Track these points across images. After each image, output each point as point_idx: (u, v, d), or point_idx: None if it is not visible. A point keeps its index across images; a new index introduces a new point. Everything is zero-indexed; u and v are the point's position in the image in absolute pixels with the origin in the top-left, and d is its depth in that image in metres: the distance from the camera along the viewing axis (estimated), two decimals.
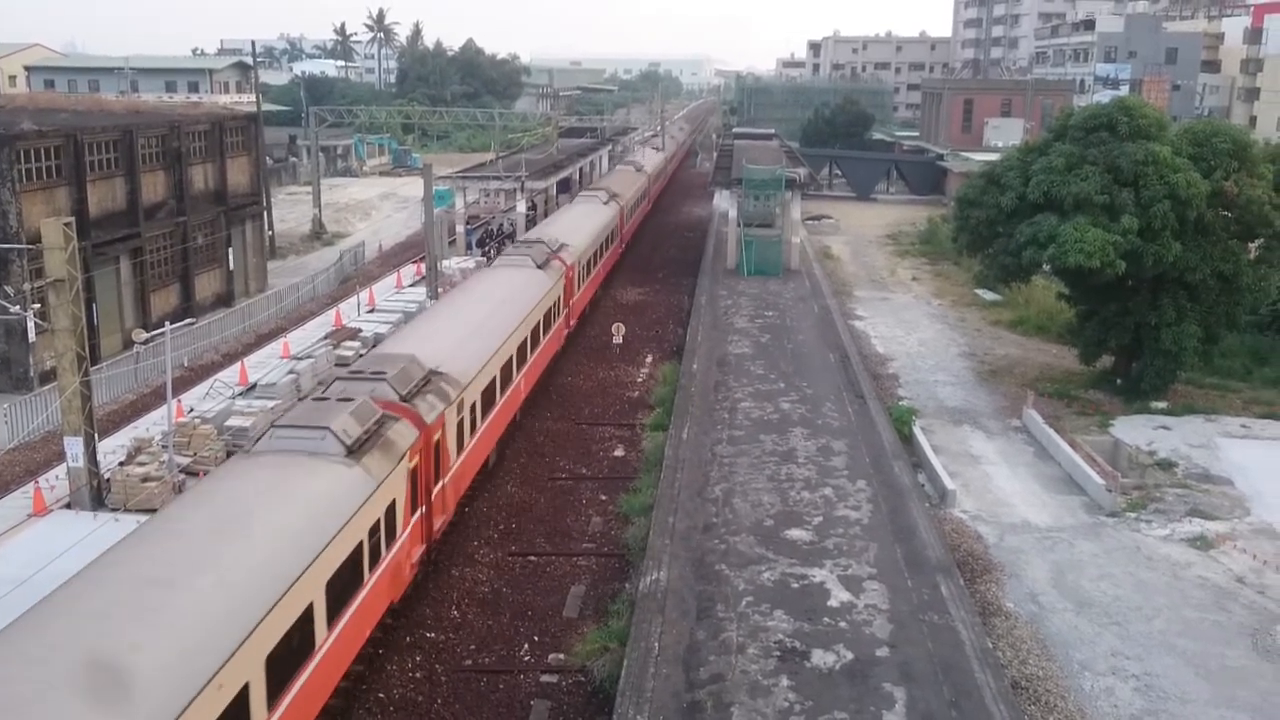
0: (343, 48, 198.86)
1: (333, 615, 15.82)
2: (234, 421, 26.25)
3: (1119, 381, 35.11)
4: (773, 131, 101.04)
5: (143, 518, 18.46)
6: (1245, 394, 35.38)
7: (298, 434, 17.79)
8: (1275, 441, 30.88)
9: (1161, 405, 33.34)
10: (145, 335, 28.12)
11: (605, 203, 52.98)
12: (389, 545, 18.38)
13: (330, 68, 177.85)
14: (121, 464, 24.05)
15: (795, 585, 20.37)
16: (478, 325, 27.60)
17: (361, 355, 28.69)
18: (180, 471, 23.46)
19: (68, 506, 22.63)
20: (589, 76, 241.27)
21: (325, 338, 35.00)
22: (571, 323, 39.21)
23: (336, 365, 29.31)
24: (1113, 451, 29.79)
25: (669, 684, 17.10)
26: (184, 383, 32.80)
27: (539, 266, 34.93)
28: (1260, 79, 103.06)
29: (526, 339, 30.32)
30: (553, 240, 39.31)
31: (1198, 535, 24.43)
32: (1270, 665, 19.12)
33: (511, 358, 28.37)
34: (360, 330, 35.91)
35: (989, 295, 48.98)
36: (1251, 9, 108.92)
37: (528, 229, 53.04)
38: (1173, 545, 23.96)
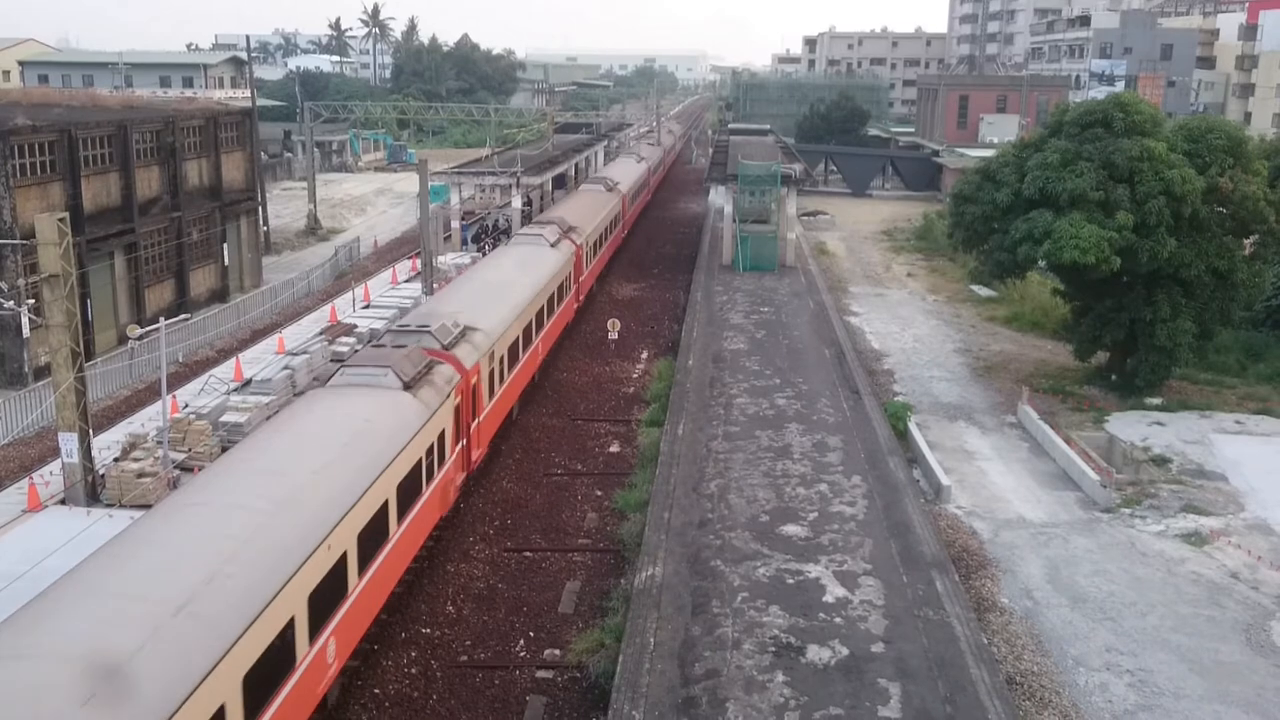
0: (338, 43, 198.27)
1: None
2: (229, 417, 26.23)
3: (1114, 377, 35.15)
4: (768, 127, 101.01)
5: (137, 513, 18.42)
6: (1240, 390, 35.45)
7: None
8: (1269, 437, 30.95)
9: (1156, 401, 33.40)
10: (140, 331, 28.10)
11: (554, 244, 38.60)
12: None
13: (325, 63, 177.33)
14: (116, 460, 24.05)
15: (790, 581, 20.37)
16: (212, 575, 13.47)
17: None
18: (175, 467, 23.44)
19: (62, 502, 22.63)
20: (584, 72, 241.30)
21: (320, 333, 34.97)
22: (474, 460, 25.04)
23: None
24: (1107, 447, 29.84)
25: (664, 679, 17.10)
26: (179, 378, 32.78)
27: (408, 386, 20.98)
28: (1255, 75, 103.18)
29: (333, 569, 16.11)
30: (445, 327, 25.05)
31: (1192, 531, 24.48)
32: (1264, 661, 19.17)
33: (291, 622, 14.59)
34: (355, 326, 35.89)
35: (984, 291, 49.02)
36: (1246, 5, 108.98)
37: (524, 225, 52.42)
38: (1167, 541, 24.01)
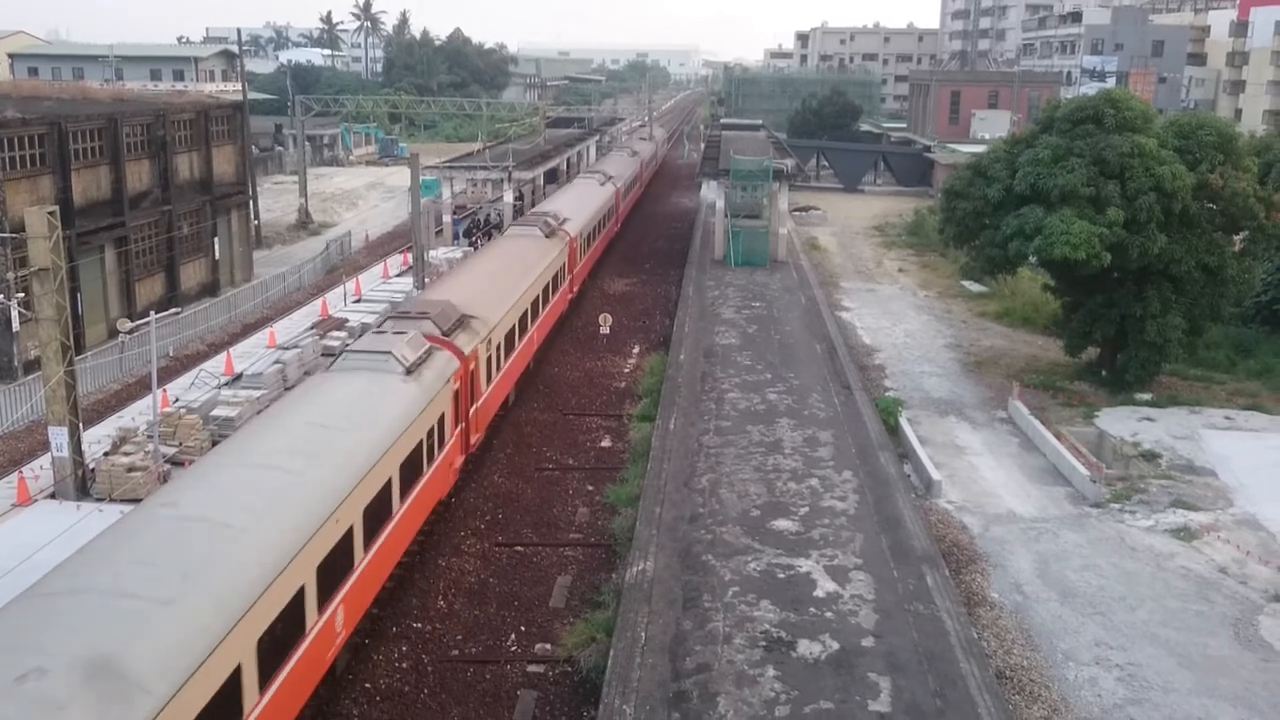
0: (329, 36, 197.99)
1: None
2: (219, 411, 26.20)
3: (1104, 373, 35.26)
4: (760, 123, 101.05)
5: (127, 508, 18.37)
6: (1229, 385, 35.58)
7: None
8: (1258, 433, 31.08)
9: (1146, 397, 33.51)
10: (130, 325, 28.02)
11: (410, 369, 21.79)
12: None
13: (316, 56, 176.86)
14: (106, 454, 24.00)
15: (781, 575, 20.41)
16: None
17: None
18: (165, 461, 23.40)
19: (52, 496, 22.59)
20: (576, 67, 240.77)
21: (312, 328, 34.94)
22: None
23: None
24: (1097, 443, 29.93)
25: (655, 674, 17.12)
26: (169, 373, 32.71)
27: None
28: (1246, 72, 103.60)
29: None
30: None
31: (1181, 526, 24.58)
32: (1252, 655, 19.26)
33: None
34: (346, 320, 35.84)
35: (975, 287, 49.11)
36: (1237, 2, 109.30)
37: (515, 218, 52.17)
38: (1156, 536, 24.10)
